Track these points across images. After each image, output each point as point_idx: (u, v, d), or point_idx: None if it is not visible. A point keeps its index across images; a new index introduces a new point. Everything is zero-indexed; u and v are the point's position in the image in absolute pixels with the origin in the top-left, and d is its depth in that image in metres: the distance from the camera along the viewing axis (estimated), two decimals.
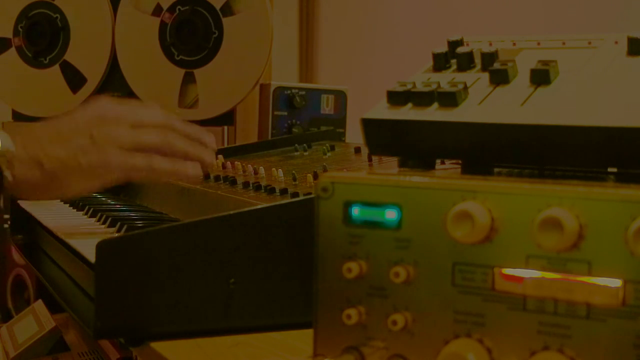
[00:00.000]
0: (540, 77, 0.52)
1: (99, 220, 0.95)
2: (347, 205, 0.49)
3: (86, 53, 1.48)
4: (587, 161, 0.47)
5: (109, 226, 0.90)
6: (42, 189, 0.79)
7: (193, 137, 0.86)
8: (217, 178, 1.01)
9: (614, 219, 0.40)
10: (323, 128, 1.43)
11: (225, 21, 1.35)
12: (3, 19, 1.54)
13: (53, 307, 1.30)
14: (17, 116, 1.55)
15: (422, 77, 0.58)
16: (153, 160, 0.82)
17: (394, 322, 0.47)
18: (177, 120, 0.86)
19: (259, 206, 0.68)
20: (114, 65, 1.46)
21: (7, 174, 0.76)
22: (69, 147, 0.79)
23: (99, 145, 0.79)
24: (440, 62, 0.59)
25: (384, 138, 0.54)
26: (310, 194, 0.75)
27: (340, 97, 1.47)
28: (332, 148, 1.14)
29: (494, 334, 0.44)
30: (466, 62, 0.58)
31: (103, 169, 0.79)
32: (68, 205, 1.11)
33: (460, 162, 0.54)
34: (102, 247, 0.61)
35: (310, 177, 0.88)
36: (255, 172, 1.00)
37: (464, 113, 0.51)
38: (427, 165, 0.54)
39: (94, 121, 0.81)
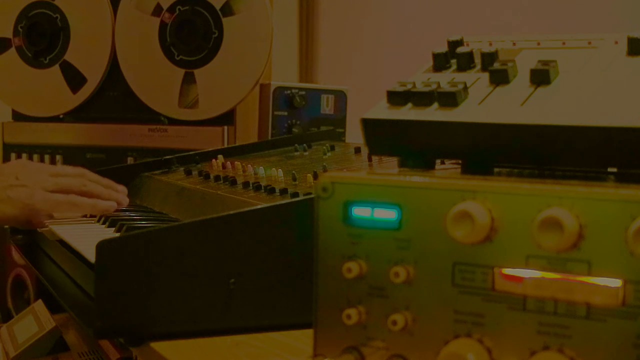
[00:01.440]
0: (540, 77, 0.52)
1: (99, 221, 0.95)
2: (347, 205, 0.49)
3: (86, 53, 1.48)
4: (587, 161, 0.47)
5: (109, 226, 0.90)
6: None
7: (105, 184, 1.02)
8: (217, 178, 1.01)
9: (614, 219, 0.40)
10: (323, 128, 1.43)
11: (225, 21, 1.35)
12: (3, 19, 1.53)
13: (53, 307, 1.30)
14: (17, 116, 1.55)
15: (422, 77, 0.58)
16: (72, 197, 0.96)
17: (394, 322, 0.47)
18: (89, 171, 1.03)
19: (259, 206, 0.68)
20: (114, 65, 1.46)
21: None
22: None
23: (24, 184, 0.94)
24: (440, 62, 0.59)
25: (384, 138, 0.54)
26: (310, 194, 0.75)
27: (340, 97, 1.47)
28: (332, 148, 1.14)
29: (494, 334, 0.44)
30: (466, 62, 0.58)
31: (29, 201, 0.93)
32: None
33: (460, 162, 0.54)
34: (102, 247, 0.61)
35: (310, 177, 0.88)
36: (255, 172, 1.00)
37: (464, 113, 0.51)
38: (427, 165, 0.54)
39: (18, 168, 0.98)
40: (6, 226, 1.06)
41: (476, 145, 0.51)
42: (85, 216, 1.00)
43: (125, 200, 1.02)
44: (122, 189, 1.04)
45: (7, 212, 0.93)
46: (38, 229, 0.97)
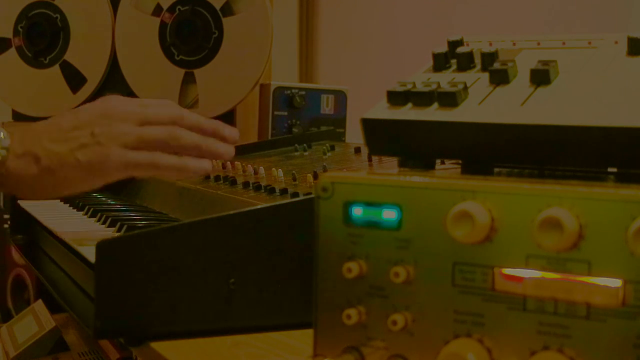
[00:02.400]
0: (540, 77, 0.52)
1: (99, 220, 0.95)
2: (347, 205, 0.49)
3: (86, 53, 1.48)
4: (587, 161, 0.47)
5: (109, 226, 0.90)
6: (39, 186, 0.77)
7: (208, 131, 0.82)
8: (217, 178, 1.01)
9: (614, 219, 0.40)
10: (323, 128, 1.43)
11: (225, 21, 1.35)
12: (3, 19, 1.53)
13: (53, 307, 1.30)
14: (17, 116, 1.55)
15: (422, 77, 0.58)
16: (156, 156, 0.78)
17: (394, 322, 0.47)
18: (191, 114, 0.82)
19: (259, 206, 0.68)
20: (114, 65, 1.46)
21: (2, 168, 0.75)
22: (67, 143, 0.77)
23: (99, 142, 0.77)
24: (440, 62, 0.59)
25: (384, 138, 0.54)
26: (310, 194, 0.75)
27: (340, 97, 1.47)
28: (332, 148, 1.14)
29: (494, 334, 0.44)
30: (466, 62, 0.58)
31: (102, 165, 0.77)
32: (68, 205, 1.12)
33: (460, 162, 0.54)
34: (102, 247, 0.61)
35: (310, 177, 0.88)
36: (255, 172, 1.00)
37: (464, 113, 0.51)
38: (427, 165, 0.54)
39: (98, 119, 0.78)
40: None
41: (476, 145, 0.51)
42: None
43: (229, 152, 0.84)
44: (232, 133, 0.85)
45: (68, 178, 0.77)
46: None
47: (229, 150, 0.84)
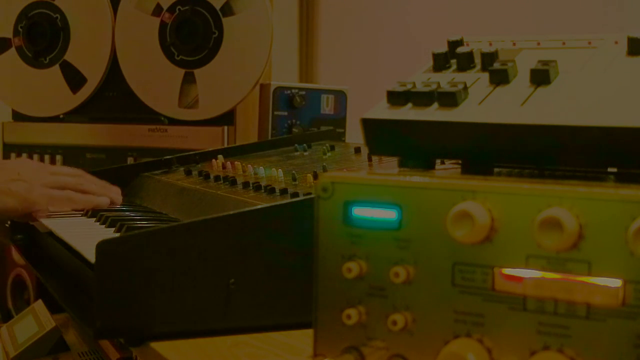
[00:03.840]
0: (540, 77, 0.52)
1: (98, 220, 0.95)
2: (347, 205, 0.49)
3: (86, 53, 1.48)
4: (587, 161, 0.47)
5: (109, 226, 0.90)
6: None
7: (100, 185, 1.08)
8: (217, 178, 1.01)
9: (614, 219, 0.40)
10: (323, 128, 1.43)
11: (225, 21, 1.35)
12: (3, 19, 1.53)
13: (53, 307, 1.30)
14: (17, 116, 1.55)
15: (422, 77, 0.58)
16: (69, 193, 1.03)
17: (394, 322, 0.47)
18: (85, 173, 1.09)
19: (259, 206, 0.68)
20: (114, 65, 1.46)
21: None
22: None
23: (24, 179, 1.01)
24: (440, 62, 0.59)
25: (384, 138, 0.54)
26: (310, 194, 0.75)
27: (340, 97, 1.47)
28: (332, 148, 1.13)
29: (494, 334, 0.44)
30: (466, 62, 0.58)
31: (28, 195, 0.99)
32: None
33: (460, 162, 0.54)
34: (102, 247, 0.61)
35: (310, 177, 0.88)
36: (255, 172, 1.00)
37: (464, 113, 0.51)
38: (427, 165, 0.54)
39: (19, 166, 1.05)
40: (6, 222, 1.11)
41: (476, 145, 0.51)
42: (78, 211, 1.06)
43: (119, 199, 1.08)
44: (116, 189, 1.10)
45: (8, 204, 0.99)
46: (40, 230, 0.98)
47: (119, 197, 1.08)
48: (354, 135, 1.39)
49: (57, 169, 1.11)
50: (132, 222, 0.89)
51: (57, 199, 1.02)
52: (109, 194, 1.07)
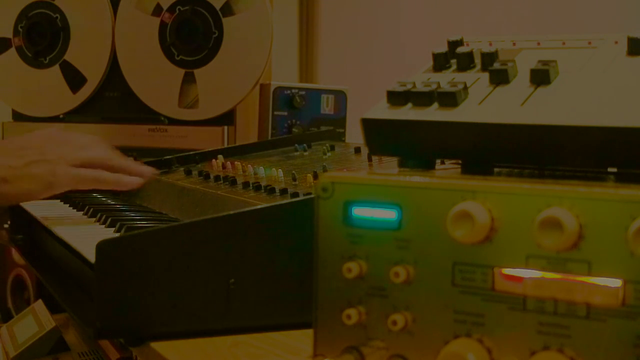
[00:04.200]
0: (540, 77, 0.52)
1: (98, 220, 0.95)
2: (347, 205, 0.49)
3: (86, 53, 1.48)
4: (587, 161, 0.47)
5: (109, 226, 0.90)
6: None
7: (128, 160, 1.02)
8: (217, 178, 1.01)
9: (614, 219, 0.40)
10: (323, 128, 1.43)
11: (225, 21, 1.35)
12: (3, 19, 1.53)
13: (53, 307, 1.30)
14: (17, 116, 1.55)
15: (422, 77, 0.58)
16: (97, 173, 0.95)
17: (394, 322, 0.47)
18: (114, 149, 1.03)
19: (259, 206, 0.68)
20: (114, 65, 1.46)
21: None
22: (20, 159, 0.91)
23: (47, 159, 0.92)
24: (440, 62, 0.59)
25: (384, 138, 0.54)
26: (310, 194, 0.75)
27: (340, 97, 1.47)
28: (332, 148, 1.13)
29: (494, 334, 0.44)
30: (466, 62, 0.58)
31: (52, 178, 0.91)
32: (68, 205, 1.11)
33: (460, 162, 0.54)
34: (102, 247, 0.61)
35: (310, 177, 0.88)
36: (255, 172, 1.00)
37: (464, 113, 0.51)
38: (427, 165, 0.54)
39: (44, 141, 0.95)
40: (7, 221, 1.07)
41: (476, 145, 0.51)
42: (108, 191, 1.02)
43: (150, 172, 1.02)
44: (148, 168, 1.04)
45: (27, 189, 0.92)
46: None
47: (150, 171, 1.03)
48: (354, 135, 1.39)
49: (85, 141, 1.00)
50: (132, 222, 0.89)
51: (83, 180, 0.95)
52: (140, 170, 1.00)
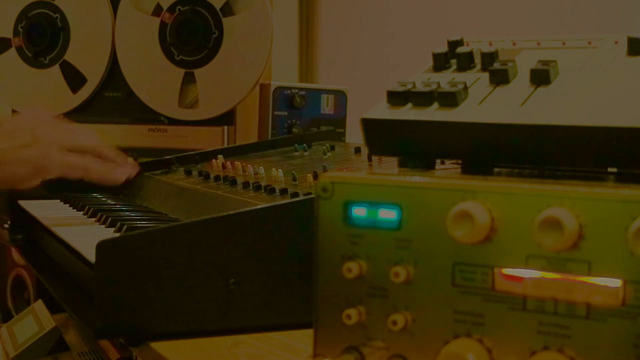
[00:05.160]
0: (540, 77, 0.52)
1: (98, 220, 0.95)
2: (347, 205, 0.49)
3: (86, 53, 1.48)
4: (587, 161, 0.47)
5: (109, 226, 0.90)
6: None
7: (116, 153, 1.00)
8: (217, 178, 1.01)
9: (614, 219, 0.40)
10: (323, 128, 1.43)
11: (225, 21, 1.35)
12: (3, 19, 1.53)
13: (53, 307, 1.30)
14: None
15: (422, 77, 0.58)
16: (87, 161, 0.93)
17: (394, 322, 0.47)
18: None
19: (259, 206, 0.68)
20: (114, 65, 1.46)
21: None
22: (11, 142, 0.88)
23: (39, 142, 0.89)
24: (440, 62, 0.59)
25: (384, 138, 0.54)
26: (310, 194, 0.75)
27: (340, 97, 1.47)
28: (332, 148, 1.13)
29: (494, 334, 0.44)
30: (466, 62, 0.58)
31: (43, 162, 0.89)
32: (68, 205, 1.11)
33: (460, 162, 0.54)
34: (102, 247, 0.61)
35: (310, 177, 0.88)
36: (255, 172, 1.00)
37: (464, 113, 0.51)
38: (427, 165, 0.54)
39: (34, 123, 0.92)
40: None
41: (476, 145, 0.51)
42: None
43: (135, 170, 1.03)
44: (132, 161, 1.04)
45: (16, 173, 0.90)
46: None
47: (136, 169, 1.04)
48: (354, 135, 1.39)
49: (76, 128, 0.99)
50: (132, 222, 0.89)
51: (72, 167, 0.93)
52: (126, 167, 0.99)
